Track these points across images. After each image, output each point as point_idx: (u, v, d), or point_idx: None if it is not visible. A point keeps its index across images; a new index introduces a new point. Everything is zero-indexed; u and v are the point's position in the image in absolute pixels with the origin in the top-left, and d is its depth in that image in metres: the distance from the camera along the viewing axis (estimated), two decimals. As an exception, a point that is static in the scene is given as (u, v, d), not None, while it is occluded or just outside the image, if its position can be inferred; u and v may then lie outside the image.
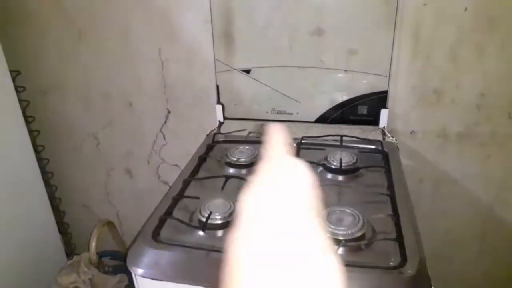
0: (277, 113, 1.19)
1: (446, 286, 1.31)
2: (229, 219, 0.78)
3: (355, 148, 1.06)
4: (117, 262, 1.30)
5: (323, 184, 0.91)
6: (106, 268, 1.20)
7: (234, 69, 1.16)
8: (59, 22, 1.24)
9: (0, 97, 1.17)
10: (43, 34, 1.27)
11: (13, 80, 1.23)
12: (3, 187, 1.18)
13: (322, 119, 1.16)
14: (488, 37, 1.01)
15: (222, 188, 0.90)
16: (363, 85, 1.11)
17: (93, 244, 1.12)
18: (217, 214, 0.79)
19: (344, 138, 1.08)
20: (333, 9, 1.05)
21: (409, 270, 0.64)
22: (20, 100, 1.26)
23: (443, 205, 1.22)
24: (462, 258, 1.29)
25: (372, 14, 1.03)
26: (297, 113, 1.17)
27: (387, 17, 1.03)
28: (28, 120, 1.35)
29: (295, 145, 1.09)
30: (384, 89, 1.10)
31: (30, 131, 1.33)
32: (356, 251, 0.71)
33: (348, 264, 0.67)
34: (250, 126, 1.19)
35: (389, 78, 1.08)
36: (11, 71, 1.20)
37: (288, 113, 1.18)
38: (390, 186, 0.89)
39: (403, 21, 1.03)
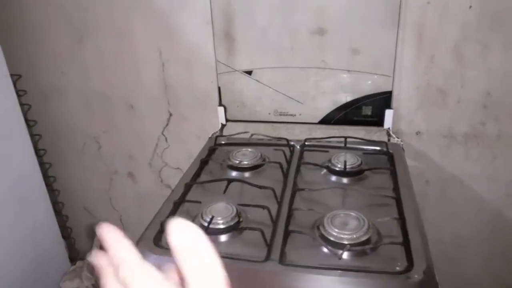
0: (280, 114, 1.18)
1: (454, 289, 1.29)
2: (231, 223, 0.77)
3: (359, 149, 1.04)
4: (120, 267, 1.29)
5: (327, 187, 0.90)
6: (109, 273, 1.19)
7: (236, 70, 1.15)
8: (59, 26, 1.23)
9: (1, 101, 1.17)
10: (43, 38, 1.26)
11: (14, 84, 1.22)
12: (6, 192, 1.18)
13: (326, 121, 1.15)
14: (493, 35, 0.99)
15: (224, 191, 0.88)
16: (367, 86, 1.09)
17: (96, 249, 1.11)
18: (219, 218, 0.77)
19: (348, 139, 1.06)
20: (335, 9, 1.03)
21: (416, 275, 0.63)
22: (21, 104, 1.25)
23: (450, 207, 1.20)
24: (471, 261, 1.26)
25: (375, 13, 1.02)
26: (300, 114, 1.16)
27: (390, 16, 1.01)
28: (29, 124, 1.34)
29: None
30: (389, 89, 1.08)
31: (32, 135, 1.33)
32: (361, 255, 0.69)
33: (353, 269, 0.66)
34: (252, 128, 1.18)
35: (393, 78, 1.07)
36: (12, 75, 1.20)
37: (291, 115, 1.17)
38: (396, 188, 0.88)
39: (407, 20, 1.01)
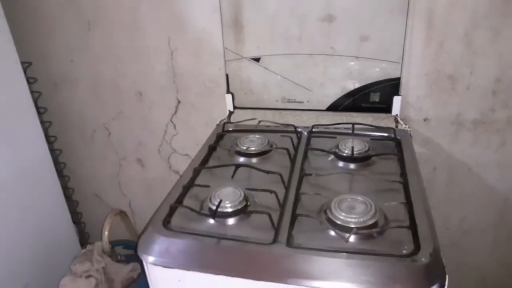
0: (288, 101, 1.18)
1: (461, 275, 1.29)
2: (239, 207, 0.78)
3: (367, 136, 1.04)
4: (130, 251, 1.32)
5: (334, 172, 0.90)
6: (119, 257, 1.21)
7: (244, 57, 1.15)
8: (69, 14, 1.24)
9: (12, 88, 1.18)
10: (53, 26, 1.27)
11: (25, 71, 1.24)
12: (17, 179, 1.20)
13: (334, 107, 1.15)
14: (504, 21, 0.98)
15: (232, 176, 0.89)
16: (375, 72, 1.09)
17: (106, 233, 1.14)
18: (227, 202, 0.78)
19: (356, 126, 1.06)
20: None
21: (423, 258, 0.63)
22: (32, 92, 1.27)
23: (457, 193, 1.19)
24: (477, 246, 1.26)
25: (384, 0, 1.01)
26: (308, 101, 1.16)
27: (400, 2, 1.00)
28: (40, 111, 1.36)
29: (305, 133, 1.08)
30: (397, 76, 1.08)
31: (42, 122, 1.35)
32: (368, 239, 0.70)
33: (360, 252, 0.66)
34: (260, 115, 1.18)
35: (402, 65, 1.06)
36: (22, 63, 1.21)
37: (299, 102, 1.17)
38: (403, 174, 0.88)
39: (416, 6, 1.00)
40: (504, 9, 0.96)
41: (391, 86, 1.09)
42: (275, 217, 0.75)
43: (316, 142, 1.04)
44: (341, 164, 0.95)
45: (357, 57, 1.08)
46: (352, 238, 0.70)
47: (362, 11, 1.03)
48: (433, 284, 0.60)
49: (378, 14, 1.02)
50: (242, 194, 0.81)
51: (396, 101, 1.10)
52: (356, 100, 1.13)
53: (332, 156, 0.96)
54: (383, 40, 1.05)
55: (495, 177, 1.15)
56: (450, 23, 1.00)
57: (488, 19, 0.98)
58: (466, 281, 1.31)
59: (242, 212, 0.78)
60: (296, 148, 1.01)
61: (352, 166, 0.94)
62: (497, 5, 0.96)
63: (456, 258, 1.28)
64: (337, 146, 0.98)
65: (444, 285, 0.61)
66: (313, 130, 1.08)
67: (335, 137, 1.04)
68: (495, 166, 1.13)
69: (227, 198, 0.79)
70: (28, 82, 1.25)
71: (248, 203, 0.80)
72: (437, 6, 0.99)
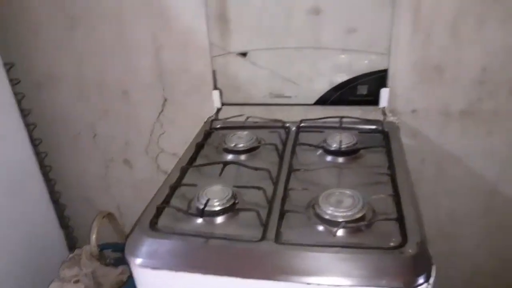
0: (275, 96, 1.17)
1: (450, 265, 1.30)
2: (227, 205, 0.77)
3: (355, 129, 1.04)
4: (119, 254, 1.30)
5: (322, 166, 0.89)
6: (108, 260, 1.19)
7: (230, 52, 1.14)
8: (51, 13, 1.21)
9: (-6, 91, 1.16)
10: (36, 26, 1.24)
11: (7, 72, 1.21)
12: (2, 183, 1.18)
13: (322, 101, 1.14)
14: (490, 10, 0.97)
15: (220, 174, 0.88)
16: (363, 65, 1.08)
17: (94, 236, 1.12)
18: (215, 200, 0.77)
19: (343, 119, 1.06)
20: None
21: (410, 249, 0.63)
22: (15, 93, 1.24)
23: (446, 183, 1.19)
24: (466, 236, 1.27)
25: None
26: (296, 96, 1.15)
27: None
28: (24, 113, 1.33)
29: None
30: (385, 67, 1.07)
31: (27, 125, 1.32)
32: (356, 232, 0.70)
33: (348, 246, 0.66)
34: (248, 111, 1.17)
35: (389, 56, 1.05)
36: (4, 64, 1.19)
37: (287, 96, 1.16)
38: (391, 166, 0.87)
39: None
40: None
41: (379, 78, 1.08)
42: (264, 214, 0.75)
43: (304, 137, 1.03)
44: (329, 158, 0.94)
45: (344, 50, 1.08)
46: (340, 232, 0.69)
47: (348, 3, 1.02)
48: (420, 275, 0.61)
49: (365, 5, 1.01)
50: (230, 192, 0.80)
51: (384, 93, 1.09)
52: (344, 94, 1.12)
53: (320, 151, 0.96)
54: (370, 32, 1.04)
55: (483, 167, 1.15)
56: (436, 13, 1.00)
57: (474, 8, 0.97)
58: (456, 270, 1.32)
59: (230, 210, 0.77)
60: (284, 144, 1.01)
61: (340, 160, 0.94)
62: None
63: (445, 249, 1.28)
64: (325, 141, 0.97)
65: (430, 276, 0.61)
66: (301, 125, 1.07)
67: (323, 131, 1.03)
68: (483, 155, 1.13)
69: (215, 197, 0.78)
70: (11, 84, 1.23)
71: (236, 201, 0.79)
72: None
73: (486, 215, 1.22)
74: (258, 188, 0.79)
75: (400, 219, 0.70)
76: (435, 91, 1.09)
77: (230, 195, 0.79)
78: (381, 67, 1.07)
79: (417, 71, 1.07)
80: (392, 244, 0.66)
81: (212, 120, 1.16)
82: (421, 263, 0.62)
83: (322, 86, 1.12)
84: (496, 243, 1.27)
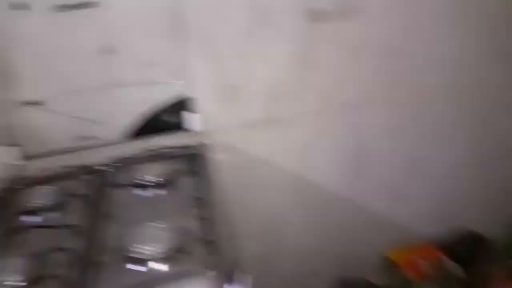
0: (83, 140, 1.10)
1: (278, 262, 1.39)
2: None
3: (167, 157, 1.05)
4: None
5: (136, 203, 0.87)
6: None
7: (27, 103, 1.04)
8: None
9: None
10: None
11: None
12: None
13: (132, 136, 1.12)
14: (266, 29, 1.09)
15: (16, 244, 0.78)
16: (167, 94, 1.10)
17: None
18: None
19: (155, 149, 1.06)
20: (120, 25, 1.01)
21: (217, 272, 0.66)
22: None
23: (262, 189, 1.27)
24: (290, 235, 1.36)
25: (161, 27, 1.03)
26: (104, 135, 1.11)
27: (175, 27, 1.03)
28: None
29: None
30: (188, 94, 1.11)
31: None
32: (167, 262, 0.70)
33: (161, 278, 0.67)
34: (55, 161, 1.07)
35: (191, 84, 1.10)
36: None
37: (94, 137, 1.10)
38: (202, 190, 0.90)
39: (191, 27, 1.05)
40: (264, 18, 1.08)
41: (185, 105, 1.12)
42: (74, 276, 0.68)
43: (116, 177, 1.00)
44: (143, 193, 0.93)
45: (147, 83, 1.08)
46: (154, 265, 0.69)
47: (141, 39, 1.04)
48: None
49: (159, 40, 1.05)
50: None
51: (192, 118, 1.13)
52: (154, 125, 1.12)
53: (132, 188, 0.94)
54: (169, 63, 1.07)
55: (288, 163, 1.27)
56: (221, 37, 1.08)
57: (254, 29, 1.08)
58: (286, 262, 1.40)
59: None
60: (96, 189, 0.95)
61: (154, 192, 0.93)
62: (258, 15, 1.07)
63: (264, 268, 1.34)
64: (136, 176, 0.95)
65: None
66: (112, 164, 1.03)
67: (136, 166, 1.01)
68: (285, 154, 1.26)
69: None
70: None
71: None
72: (208, 24, 1.06)
73: (305, 210, 1.34)
74: (62, 249, 0.73)
75: (211, 244, 0.73)
76: (237, 107, 1.17)
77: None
78: (186, 95, 1.11)
79: (217, 93, 1.14)
80: (203, 268, 0.68)
81: (12, 179, 1.03)
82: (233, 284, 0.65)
83: (130, 122, 1.11)
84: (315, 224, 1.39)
